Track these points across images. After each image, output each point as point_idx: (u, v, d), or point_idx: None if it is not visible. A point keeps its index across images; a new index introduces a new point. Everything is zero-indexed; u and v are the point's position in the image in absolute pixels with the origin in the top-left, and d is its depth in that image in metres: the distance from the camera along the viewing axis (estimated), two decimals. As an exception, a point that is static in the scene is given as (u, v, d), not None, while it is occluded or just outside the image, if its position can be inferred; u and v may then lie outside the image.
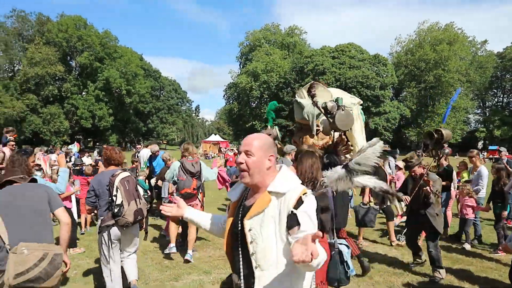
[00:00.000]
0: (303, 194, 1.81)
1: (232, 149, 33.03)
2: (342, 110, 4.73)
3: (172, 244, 6.08)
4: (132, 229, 4.35)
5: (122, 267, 4.49)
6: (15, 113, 44.21)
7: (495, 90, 63.25)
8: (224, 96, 66.52)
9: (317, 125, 5.57)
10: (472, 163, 7.81)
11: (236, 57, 67.96)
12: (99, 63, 52.04)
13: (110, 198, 4.18)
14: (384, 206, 6.63)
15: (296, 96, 5.67)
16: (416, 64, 55.63)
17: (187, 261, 5.86)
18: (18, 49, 51.17)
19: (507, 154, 11.20)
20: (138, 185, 4.52)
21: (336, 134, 5.02)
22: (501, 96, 63.17)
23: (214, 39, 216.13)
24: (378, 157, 3.02)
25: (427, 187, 5.11)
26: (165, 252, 6.21)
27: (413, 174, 5.55)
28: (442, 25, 57.47)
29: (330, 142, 5.00)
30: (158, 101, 72.15)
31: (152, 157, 9.91)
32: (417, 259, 5.71)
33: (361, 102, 6.07)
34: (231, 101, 64.58)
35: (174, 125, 77.42)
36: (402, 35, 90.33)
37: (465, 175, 8.43)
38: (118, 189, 4.11)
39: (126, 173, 4.36)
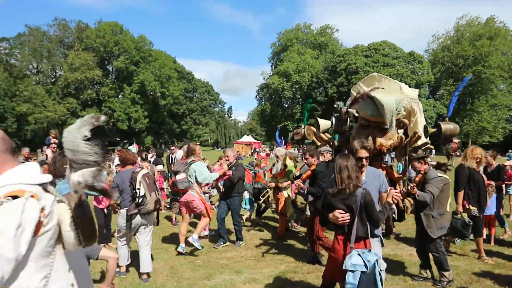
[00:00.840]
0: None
1: (264, 150, 33.09)
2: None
3: (183, 244, 6.32)
4: (150, 217, 5.23)
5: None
6: (57, 117, 46.37)
7: (541, 86, 59.80)
8: (256, 97, 66.84)
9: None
10: None
11: (268, 58, 68.10)
12: (134, 66, 53.62)
13: (134, 191, 5.00)
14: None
15: (352, 91, 5.33)
16: (453, 61, 53.61)
17: (179, 253, 6.18)
18: (60, 56, 53.66)
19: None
20: (155, 181, 5.42)
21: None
22: (548, 92, 59.65)
23: (247, 40, 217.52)
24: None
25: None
26: (177, 250, 6.33)
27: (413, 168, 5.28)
28: (482, 19, 54.98)
29: (397, 143, 4.91)
30: (191, 103, 73.27)
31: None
32: (422, 272, 5.15)
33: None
34: (263, 102, 64.77)
35: (207, 126, 78.50)
36: (439, 32, 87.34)
37: None
38: (141, 183, 4.98)
39: (146, 170, 5.28)
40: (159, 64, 55.92)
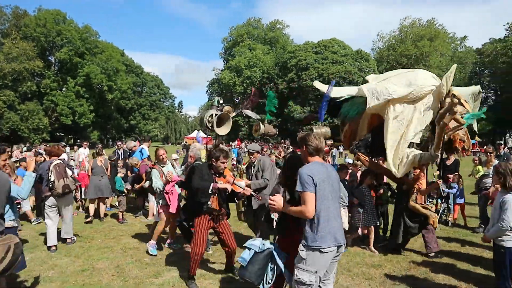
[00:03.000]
0: None
1: (216, 145, 32.89)
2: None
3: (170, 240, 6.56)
4: (65, 199, 6.35)
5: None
6: (-8, 110, 43.10)
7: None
8: (207, 92, 66.23)
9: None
10: (487, 158, 8.11)
11: (220, 53, 67.68)
12: (79, 58, 51.12)
13: (47, 178, 6.18)
14: None
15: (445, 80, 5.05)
16: (398, 59, 56.33)
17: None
18: (-6, 44, 49.76)
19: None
20: (67, 168, 6.58)
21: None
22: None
23: (200, 34, 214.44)
24: None
25: None
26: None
27: None
28: (424, 21, 58.31)
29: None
30: (140, 97, 71.23)
31: (130, 154, 9.85)
32: None
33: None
34: (214, 97, 64.29)
35: (157, 121, 76.63)
36: (384, 31, 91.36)
37: (480, 169, 8.52)
38: (52, 171, 6.16)
39: (59, 161, 6.45)
40: (106, 57, 53.72)
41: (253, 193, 4.76)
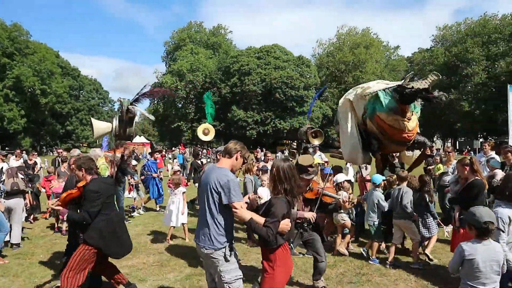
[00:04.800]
0: None
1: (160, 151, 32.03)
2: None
3: None
4: (15, 200, 6.64)
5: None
6: None
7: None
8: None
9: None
10: (447, 157, 8.50)
11: (162, 57, 66.42)
12: (7, 59, 47.71)
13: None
14: None
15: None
16: (336, 66, 58.83)
17: None
18: None
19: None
20: (18, 172, 6.97)
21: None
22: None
23: (141, 37, 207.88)
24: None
25: None
26: None
27: None
28: (359, 30, 61.53)
29: None
30: (77, 102, 67.81)
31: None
32: None
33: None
34: (155, 101, 62.80)
35: (95, 127, 73.32)
36: (323, 38, 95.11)
37: (440, 167, 8.96)
38: (4, 173, 6.90)
39: (13, 167, 7.30)
40: (38, 58, 50.58)
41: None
